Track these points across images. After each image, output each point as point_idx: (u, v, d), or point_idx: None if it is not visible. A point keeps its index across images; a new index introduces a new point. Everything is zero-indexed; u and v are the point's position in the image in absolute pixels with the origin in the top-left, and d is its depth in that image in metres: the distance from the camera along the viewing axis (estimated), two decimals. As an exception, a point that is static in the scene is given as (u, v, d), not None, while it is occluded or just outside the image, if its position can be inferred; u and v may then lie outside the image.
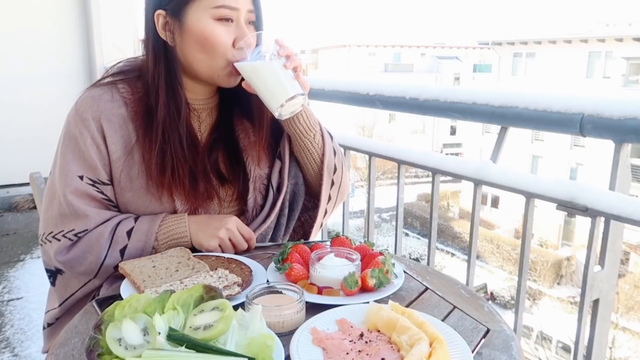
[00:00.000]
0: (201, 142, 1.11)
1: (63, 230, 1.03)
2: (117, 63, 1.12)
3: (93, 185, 1.04)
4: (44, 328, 1.16)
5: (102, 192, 1.05)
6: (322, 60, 34.16)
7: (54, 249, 1.03)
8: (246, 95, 1.07)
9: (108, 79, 1.09)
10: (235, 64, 1.02)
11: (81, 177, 1.03)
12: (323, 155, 1.16)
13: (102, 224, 1.03)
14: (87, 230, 1.02)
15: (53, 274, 1.10)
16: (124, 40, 3.97)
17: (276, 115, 1.02)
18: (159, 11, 1.01)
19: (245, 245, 1.08)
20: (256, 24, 1.06)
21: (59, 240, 1.03)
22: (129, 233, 1.02)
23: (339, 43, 32.87)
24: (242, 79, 1.05)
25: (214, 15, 0.99)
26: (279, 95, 1.00)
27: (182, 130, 1.04)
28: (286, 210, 1.19)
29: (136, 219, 1.05)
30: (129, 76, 1.08)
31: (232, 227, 1.06)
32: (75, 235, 1.02)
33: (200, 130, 1.12)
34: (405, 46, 32.56)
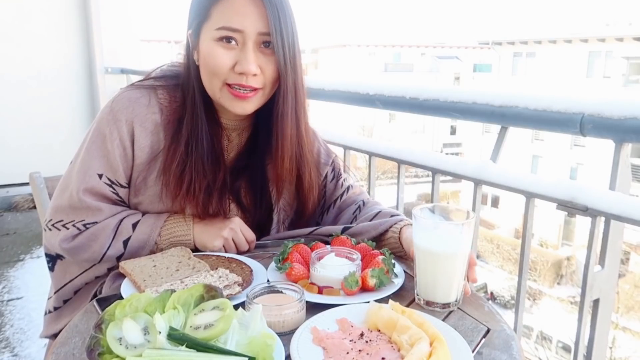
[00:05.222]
0: (225, 161, 1.11)
1: (74, 220, 1.04)
2: (161, 66, 1.12)
3: (110, 186, 1.05)
4: (45, 314, 1.17)
5: (116, 194, 1.06)
6: (322, 60, 34.14)
7: (61, 236, 1.04)
8: (278, 123, 1.05)
9: (149, 82, 1.09)
10: (419, 233, 0.86)
11: (100, 176, 1.04)
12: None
13: (111, 217, 1.05)
14: (96, 222, 1.04)
15: (53, 259, 1.11)
16: (123, 41, 3.97)
17: (416, 299, 0.88)
18: (190, 31, 1.04)
19: (246, 247, 1.09)
20: (276, 47, 0.98)
21: (68, 228, 1.04)
22: (134, 225, 1.04)
23: (339, 43, 32.86)
24: (258, 108, 1.05)
25: (215, 36, 0.98)
26: (436, 293, 0.85)
27: (205, 145, 1.04)
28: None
29: (143, 215, 1.07)
30: (169, 83, 1.09)
31: (235, 227, 1.07)
32: (84, 225, 1.04)
33: (227, 149, 1.13)
34: (405, 46, 32.56)
